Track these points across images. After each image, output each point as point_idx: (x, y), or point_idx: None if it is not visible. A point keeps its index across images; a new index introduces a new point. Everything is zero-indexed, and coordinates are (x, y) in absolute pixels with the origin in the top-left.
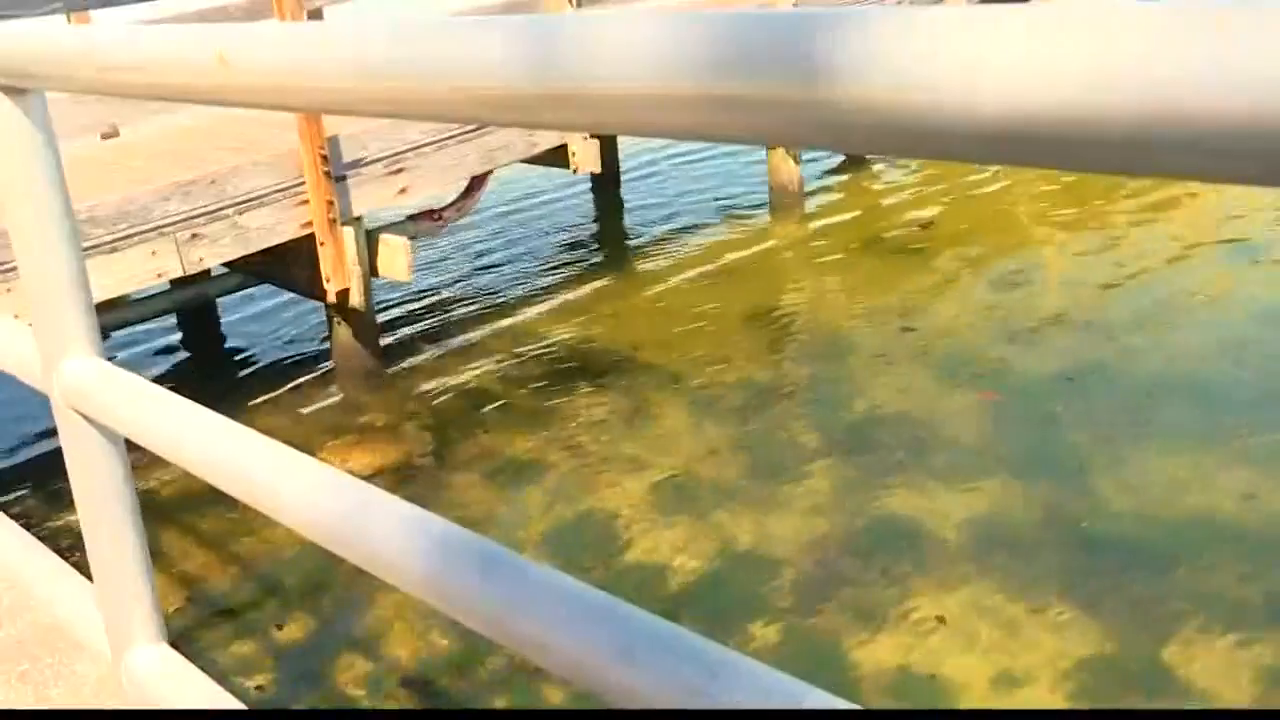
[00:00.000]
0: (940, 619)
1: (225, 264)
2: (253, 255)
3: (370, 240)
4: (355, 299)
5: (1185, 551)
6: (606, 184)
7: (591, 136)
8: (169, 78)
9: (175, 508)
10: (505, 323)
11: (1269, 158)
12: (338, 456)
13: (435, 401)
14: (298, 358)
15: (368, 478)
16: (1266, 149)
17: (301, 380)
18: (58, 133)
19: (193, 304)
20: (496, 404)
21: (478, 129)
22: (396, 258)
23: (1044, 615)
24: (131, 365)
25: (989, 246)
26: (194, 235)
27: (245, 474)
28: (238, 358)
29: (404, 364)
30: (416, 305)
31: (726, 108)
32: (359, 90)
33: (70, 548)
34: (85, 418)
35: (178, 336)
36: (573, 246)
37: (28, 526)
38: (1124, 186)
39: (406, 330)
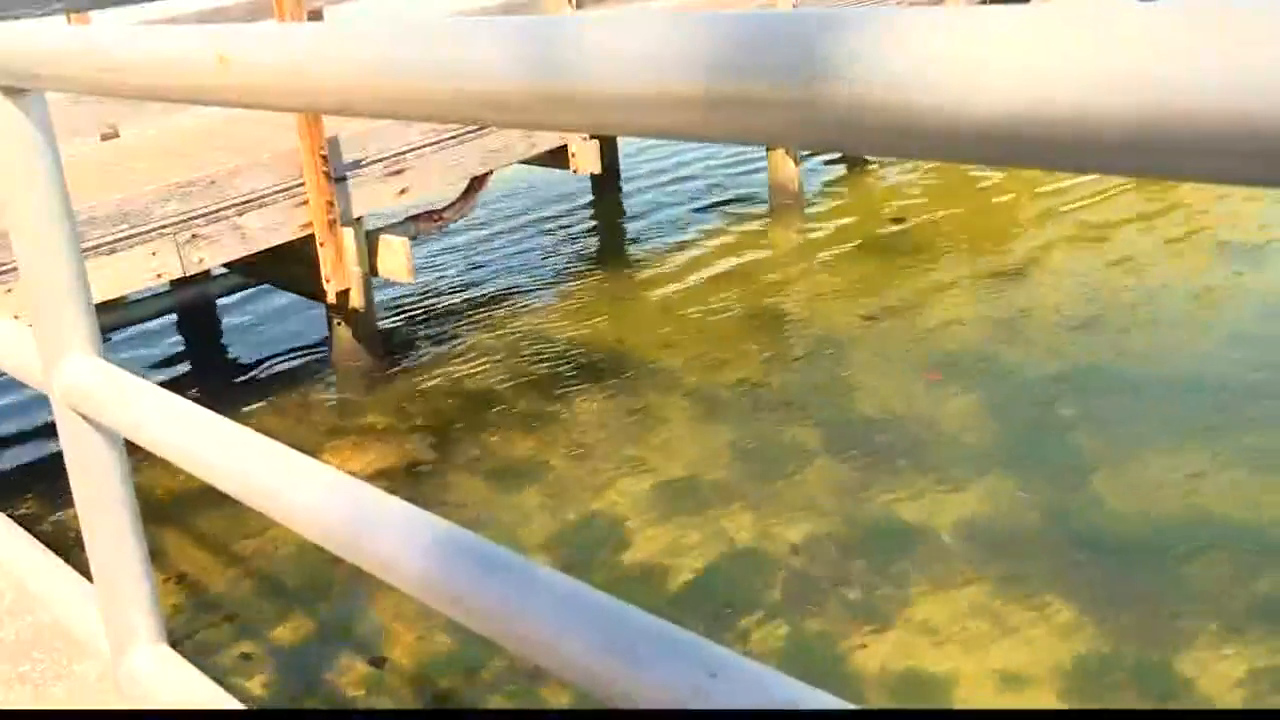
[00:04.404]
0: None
1: (225, 265)
2: (253, 256)
3: (370, 241)
4: (355, 299)
5: (1184, 551)
6: (606, 184)
7: (591, 137)
8: (169, 78)
9: (175, 508)
10: (505, 323)
11: (1269, 158)
12: (338, 457)
13: (435, 402)
14: (298, 358)
15: (368, 478)
16: (1267, 149)
17: (301, 381)
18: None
19: (193, 305)
20: (497, 404)
21: (477, 130)
22: (396, 258)
23: (1043, 615)
24: (131, 365)
25: (989, 246)
26: (194, 236)
27: (245, 474)
28: (237, 358)
29: (404, 364)
30: (417, 306)
31: (726, 108)
32: (359, 90)
33: (70, 548)
34: (85, 418)
35: (178, 337)
36: (572, 247)
37: (28, 526)
38: (1124, 186)
39: (407, 331)
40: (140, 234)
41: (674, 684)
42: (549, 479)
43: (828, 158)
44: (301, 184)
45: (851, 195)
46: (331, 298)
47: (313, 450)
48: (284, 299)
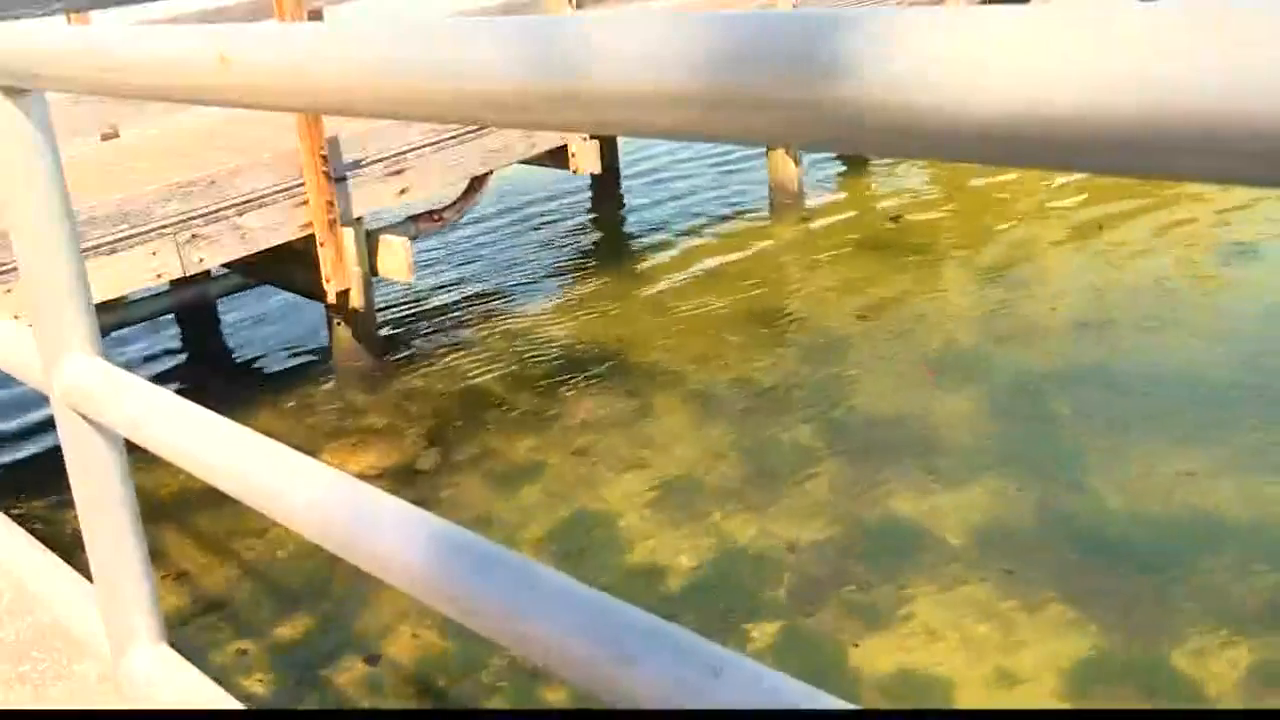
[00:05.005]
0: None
1: (225, 264)
2: (253, 256)
3: (370, 241)
4: (355, 299)
5: (1184, 551)
6: (606, 184)
7: (591, 137)
8: (169, 78)
9: (175, 508)
10: (505, 323)
11: (1269, 158)
12: (338, 457)
13: (435, 402)
14: (298, 358)
15: (368, 478)
16: (1267, 149)
17: (301, 381)
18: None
19: (193, 304)
20: (497, 404)
21: (477, 130)
22: (396, 258)
23: (1042, 614)
24: (131, 365)
25: (988, 245)
26: (194, 236)
27: (245, 475)
28: (237, 358)
29: (404, 364)
30: (417, 306)
31: (726, 108)
32: (359, 90)
33: (70, 548)
34: (85, 418)
35: (178, 337)
36: (572, 247)
37: (28, 527)
38: (1123, 184)
39: (407, 331)
40: (140, 234)
41: (674, 683)
42: (548, 478)
43: (828, 158)
44: (301, 184)
45: (851, 195)
46: (331, 298)
47: (313, 450)
48: (284, 299)
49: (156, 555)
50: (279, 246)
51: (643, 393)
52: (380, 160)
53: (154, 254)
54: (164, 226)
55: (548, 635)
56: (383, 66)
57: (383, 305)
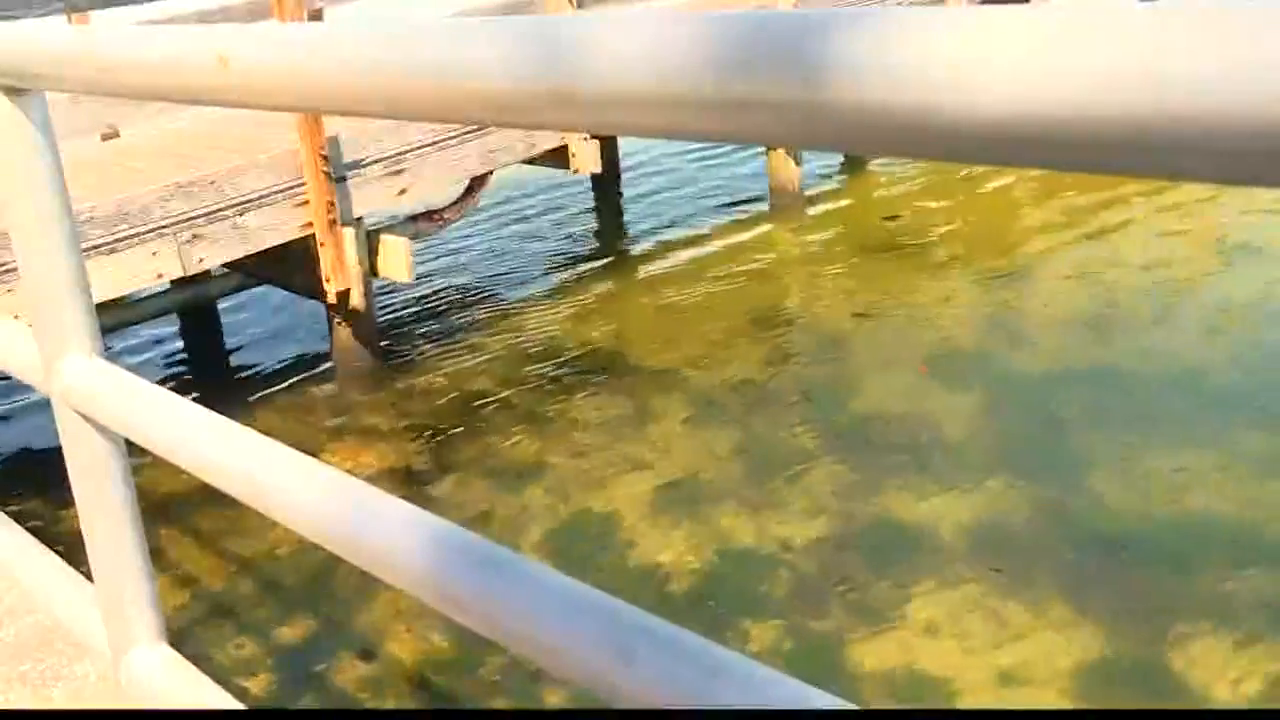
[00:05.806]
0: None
1: (225, 264)
2: (253, 256)
3: (370, 241)
4: (355, 299)
5: (1181, 548)
6: (606, 184)
7: (591, 136)
8: (169, 78)
9: (175, 508)
10: (505, 323)
11: (1270, 157)
12: (338, 456)
13: (435, 402)
14: (298, 358)
15: (368, 478)
16: (1268, 149)
17: (301, 381)
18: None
19: (193, 304)
20: (496, 404)
21: (478, 130)
22: (397, 258)
23: (1040, 612)
24: (131, 365)
25: (989, 246)
26: (194, 236)
27: (245, 474)
28: (238, 358)
29: (404, 364)
30: (417, 306)
31: (726, 108)
32: (359, 90)
33: (70, 548)
34: (85, 418)
35: (178, 337)
36: (573, 247)
37: (28, 526)
38: (1124, 186)
39: (407, 331)
40: (140, 234)
41: (674, 683)
42: (549, 478)
43: (828, 158)
44: (302, 184)
45: (851, 195)
46: (332, 298)
47: (313, 450)
48: (284, 299)
49: (156, 555)
50: (279, 246)
51: (642, 392)
52: (380, 160)
53: (154, 254)
54: (164, 226)
55: (547, 635)
56: (383, 66)
57: (383, 305)
